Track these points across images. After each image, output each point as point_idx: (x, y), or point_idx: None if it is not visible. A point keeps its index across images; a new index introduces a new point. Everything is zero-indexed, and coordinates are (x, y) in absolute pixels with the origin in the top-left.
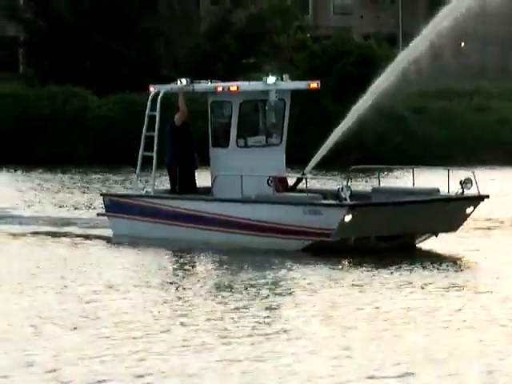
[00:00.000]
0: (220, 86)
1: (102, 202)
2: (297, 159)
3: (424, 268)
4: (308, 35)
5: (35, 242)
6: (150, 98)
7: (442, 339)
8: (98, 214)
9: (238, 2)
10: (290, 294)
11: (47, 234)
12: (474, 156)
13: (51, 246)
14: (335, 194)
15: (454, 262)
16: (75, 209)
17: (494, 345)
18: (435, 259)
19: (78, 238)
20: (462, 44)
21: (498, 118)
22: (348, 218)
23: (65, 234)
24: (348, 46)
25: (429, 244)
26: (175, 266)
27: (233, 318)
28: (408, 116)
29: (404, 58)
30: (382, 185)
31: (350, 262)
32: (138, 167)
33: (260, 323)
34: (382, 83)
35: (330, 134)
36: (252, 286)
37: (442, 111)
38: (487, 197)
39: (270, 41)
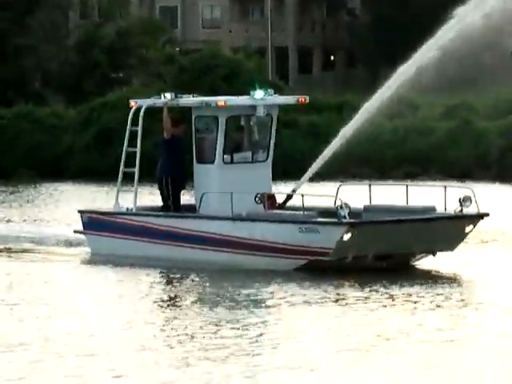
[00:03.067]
0: (207, 100)
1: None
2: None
3: (421, 286)
4: (177, 49)
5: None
6: (132, 112)
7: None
8: (74, 231)
9: (107, 16)
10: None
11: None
12: (342, 170)
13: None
14: (330, 212)
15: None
16: None
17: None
18: (433, 277)
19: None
20: (332, 57)
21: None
22: (347, 236)
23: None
24: (217, 59)
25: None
26: (164, 285)
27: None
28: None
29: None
30: (373, 202)
31: (349, 281)
32: (119, 183)
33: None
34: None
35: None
36: (249, 304)
37: (311, 125)
38: (487, 215)
39: (138, 55)
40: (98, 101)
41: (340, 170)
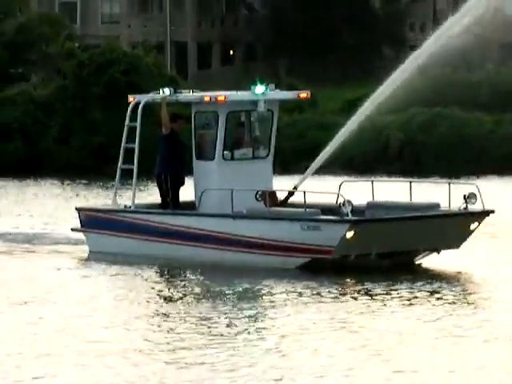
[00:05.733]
0: (207, 95)
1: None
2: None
3: (427, 285)
4: (76, 44)
5: None
6: (130, 108)
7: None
8: (72, 229)
9: (7, 12)
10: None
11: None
12: None
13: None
14: (332, 209)
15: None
16: None
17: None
18: (437, 276)
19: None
20: (231, 52)
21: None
22: (350, 234)
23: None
24: (116, 54)
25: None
26: (162, 283)
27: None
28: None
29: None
30: (376, 199)
31: (351, 280)
32: (117, 180)
33: None
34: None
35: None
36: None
37: None
38: (492, 212)
39: (38, 50)
40: None
41: None
